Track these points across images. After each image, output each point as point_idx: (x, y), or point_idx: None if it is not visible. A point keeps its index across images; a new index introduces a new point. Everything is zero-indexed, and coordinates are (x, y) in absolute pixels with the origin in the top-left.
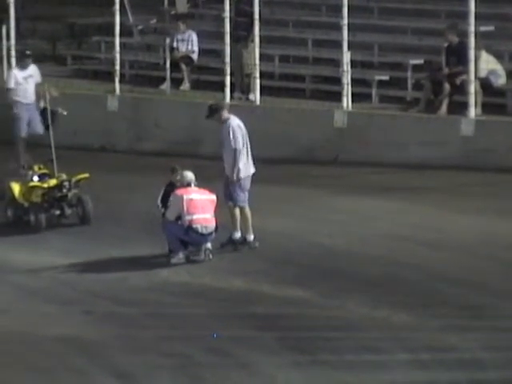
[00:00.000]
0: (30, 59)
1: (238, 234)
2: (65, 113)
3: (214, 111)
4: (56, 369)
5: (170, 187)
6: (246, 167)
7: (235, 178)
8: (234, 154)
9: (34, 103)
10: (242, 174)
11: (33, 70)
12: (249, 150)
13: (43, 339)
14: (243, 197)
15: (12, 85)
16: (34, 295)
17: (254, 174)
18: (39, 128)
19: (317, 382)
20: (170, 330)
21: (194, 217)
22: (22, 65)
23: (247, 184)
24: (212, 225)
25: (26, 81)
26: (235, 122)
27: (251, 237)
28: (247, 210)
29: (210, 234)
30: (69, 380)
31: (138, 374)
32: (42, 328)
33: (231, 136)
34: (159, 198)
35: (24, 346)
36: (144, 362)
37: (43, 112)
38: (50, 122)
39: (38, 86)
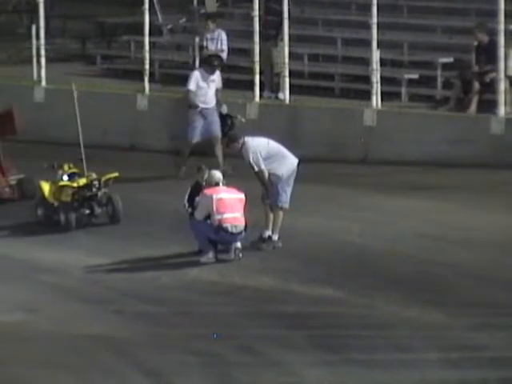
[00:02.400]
0: (218, 67)
1: (268, 233)
2: (243, 120)
3: (231, 140)
4: (85, 367)
5: (197, 187)
6: (283, 167)
7: (266, 200)
8: (261, 175)
9: (214, 107)
10: (285, 174)
11: (216, 75)
12: (280, 150)
13: (73, 338)
14: (285, 197)
15: (192, 87)
16: (64, 294)
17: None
18: (218, 131)
19: (347, 380)
20: (200, 328)
21: (224, 216)
22: (207, 69)
23: (291, 181)
24: (241, 224)
25: (207, 85)
26: (250, 144)
27: (276, 236)
28: (282, 211)
29: (240, 233)
30: (98, 378)
31: (167, 373)
32: (71, 327)
33: (251, 160)
34: (186, 198)
35: (54, 344)
36: (173, 361)
37: (224, 117)
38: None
39: (217, 92)
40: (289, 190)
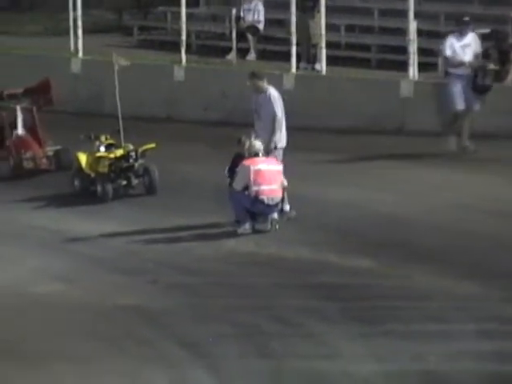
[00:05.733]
0: (470, 26)
1: (287, 207)
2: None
3: (258, 77)
4: (121, 338)
5: (238, 158)
6: (283, 138)
7: (273, 146)
8: (274, 122)
9: (469, 75)
10: (280, 145)
11: (471, 38)
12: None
13: (109, 309)
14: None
15: (449, 53)
16: (101, 265)
17: (318, 144)
18: (474, 104)
19: (382, 352)
20: (236, 299)
21: (261, 188)
22: (460, 32)
23: (280, 155)
24: (278, 196)
25: (462, 50)
26: (275, 92)
27: (287, 207)
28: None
29: (276, 204)
30: (134, 349)
31: (204, 343)
32: (107, 297)
33: (273, 104)
34: (226, 169)
35: (89, 315)
36: (210, 331)
37: (478, 87)
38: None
39: (476, 58)
40: None
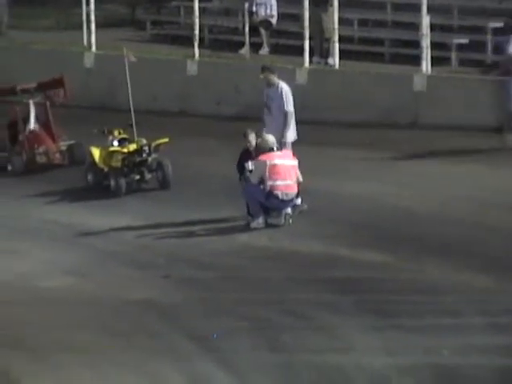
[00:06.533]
0: None
1: (299, 200)
2: None
3: (269, 70)
4: (133, 332)
5: (245, 153)
6: (293, 133)
7: (284, 140)
8: (286, 116)
9: None
10: (290, 139)
11: None
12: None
13: (121, 302)
14: None
15: None
16: (113, 259)
17: (330, 138)
18: None
19: (395, 345)
20: (248, 293)
21: (276, 183)
22: None
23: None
24: (293, 191)
25: None
26: (286, 87)
27: (299, 200)
28: None
29: (291, 200)
30: (146, 342)
31: (215, 337)
32: (120, 291)
33: (284, 98)
34: (236, 163)
35: (101, 309)
36: (221, 325)
37: None
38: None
39: None
40: None
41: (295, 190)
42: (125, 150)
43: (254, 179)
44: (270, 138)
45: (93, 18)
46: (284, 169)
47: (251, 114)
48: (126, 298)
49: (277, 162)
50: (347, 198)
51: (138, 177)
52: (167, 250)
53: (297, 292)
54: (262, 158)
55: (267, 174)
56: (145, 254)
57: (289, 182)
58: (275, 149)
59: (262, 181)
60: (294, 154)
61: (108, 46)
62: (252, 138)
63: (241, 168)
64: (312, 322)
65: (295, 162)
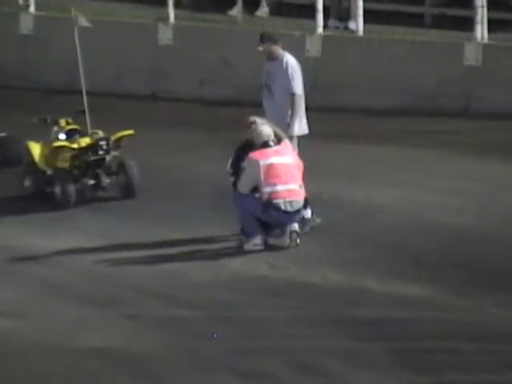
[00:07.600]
0: None
1: (308, 212)
2: None
3: (271, 39)
4: None
5: (245, 148)
6: (302, 123)
7: (291, 132)
8: (293, 100)
9: None
10: (297, 132)
11: None
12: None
13: (74, 352)
14: None
15: None
16: (62, 293)
17: (351, 129)
18: None
19: None
20: (245, 339)
21: (276, 189)
22: None
23: (296, 146)
24: (299, 199)
25: None
26: (293, 60)
27: (309, 212)
28: None
29: (297, 211)
30: None
31: None
32: (72, 337)
33: (290, 76)
34: (229, 162)
35: (47, 361)
36: (210, 383)
37: None
38: None
39: None
40: None
41: (302, 198)
42: (75, 146)
43: (244, 188)
44: (265, 129)
45: None
46: (284, 169)
47: (246, 97)
48: (80, 347)
49: (273, 160)
50: (374, 210)
51: (92, 182)
52: (134, 282)
53: (308, 338)
54: (254, 156)
55: (262, 177)
56: (104, 286)
57: (292, 186)
58: (271, 143)
59: (256, 188)
60: (294, 151)
61: (52, 5)
62: (254, 129)
63: (236, 169)
64: (329, 379)
65: (298, 159)
